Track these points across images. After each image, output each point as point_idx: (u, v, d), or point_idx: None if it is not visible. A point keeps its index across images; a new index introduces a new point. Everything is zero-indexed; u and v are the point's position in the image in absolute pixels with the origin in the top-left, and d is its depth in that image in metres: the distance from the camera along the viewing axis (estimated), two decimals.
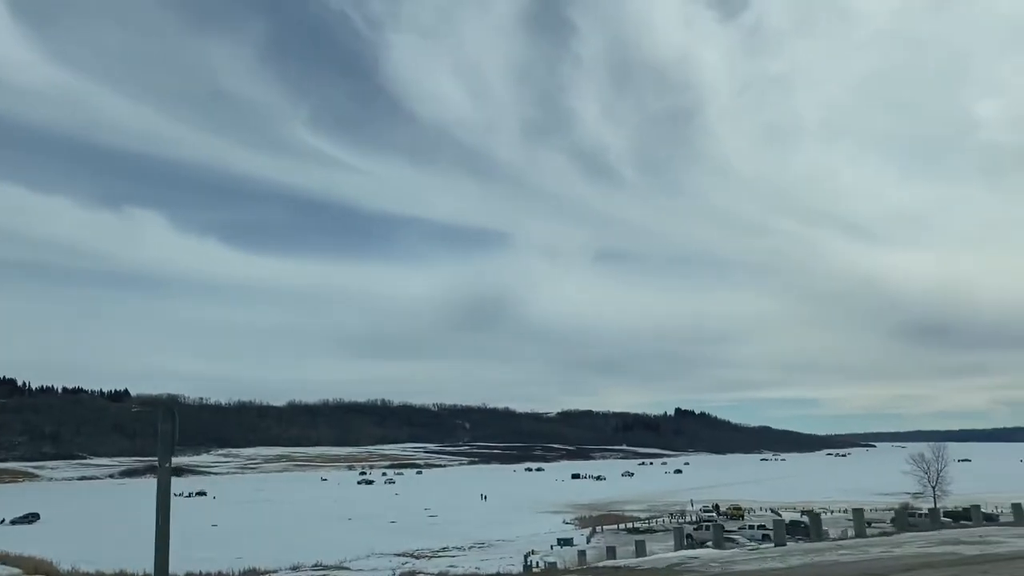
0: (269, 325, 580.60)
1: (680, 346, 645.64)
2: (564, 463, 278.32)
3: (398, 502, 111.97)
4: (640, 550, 14.58)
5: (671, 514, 74.73)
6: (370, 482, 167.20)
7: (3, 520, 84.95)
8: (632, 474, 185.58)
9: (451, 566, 44.21)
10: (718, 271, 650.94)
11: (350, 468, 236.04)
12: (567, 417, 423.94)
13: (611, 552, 14.34)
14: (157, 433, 7.75)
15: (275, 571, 45.46)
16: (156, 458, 7.77)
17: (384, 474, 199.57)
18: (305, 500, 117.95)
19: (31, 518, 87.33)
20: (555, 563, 26.35)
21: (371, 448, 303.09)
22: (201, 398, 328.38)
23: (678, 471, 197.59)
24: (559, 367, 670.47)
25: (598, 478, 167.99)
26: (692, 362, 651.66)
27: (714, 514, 65.09)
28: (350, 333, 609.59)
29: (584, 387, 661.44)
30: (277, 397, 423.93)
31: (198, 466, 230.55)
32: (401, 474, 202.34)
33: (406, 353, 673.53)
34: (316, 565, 47.27)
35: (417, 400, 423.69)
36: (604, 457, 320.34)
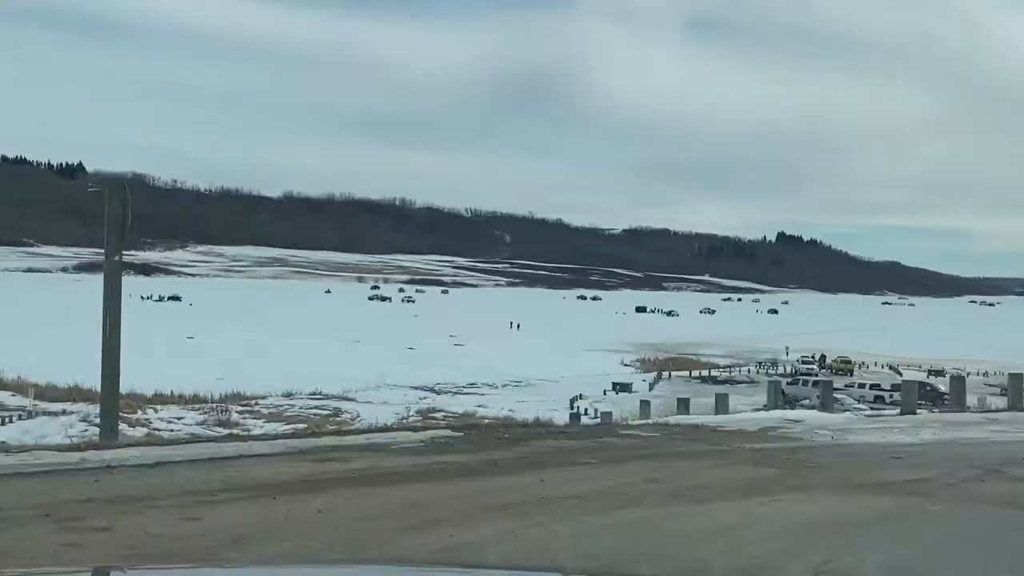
0: (265, 94, 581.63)
1: (789, 151, 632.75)
2: (627, 292, 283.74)
3: (418, 325, 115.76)
4: (721, 405, 14.78)
5: (759, 363, 76.22)
6: (384, 299, 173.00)
7: None
8: (714, 311, 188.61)
9: (480, 405, 46.18)
10: (845, 54, 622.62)
11: (360, 280, 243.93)
12: (635, 236, 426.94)
13: (683, 405, 14.59)
14: (105, 215, 7.58)
15: (263, 397, 48.18)
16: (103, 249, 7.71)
17: (401, 290, 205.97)
18: (304, 315, 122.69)
19: None
20: (610, 413, 27.23)
21: (386, 257, 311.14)
22: (175, 180, 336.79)
23: (773, 311, 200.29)
24: (628, 171, 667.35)
25: (669, 313, 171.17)
26: (803, 173, 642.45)
27: (815, 367, 66.41)
28: (364, 111, 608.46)
29: (659, 199, 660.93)
30: (271, 186, 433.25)
31: (171, 264, 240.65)
32: (422, 291, 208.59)
33: (434, 142, 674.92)
34: (315, 393, 49.88)
35: (446, 202, 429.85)
36: (679, 288, 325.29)
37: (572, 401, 48.34)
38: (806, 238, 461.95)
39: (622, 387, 55.11)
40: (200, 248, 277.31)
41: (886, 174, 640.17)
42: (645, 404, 20.21)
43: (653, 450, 8.66)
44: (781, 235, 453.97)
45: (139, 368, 58.08)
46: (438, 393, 53.69)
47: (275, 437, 8.39)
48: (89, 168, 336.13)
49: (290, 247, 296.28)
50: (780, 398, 49.39)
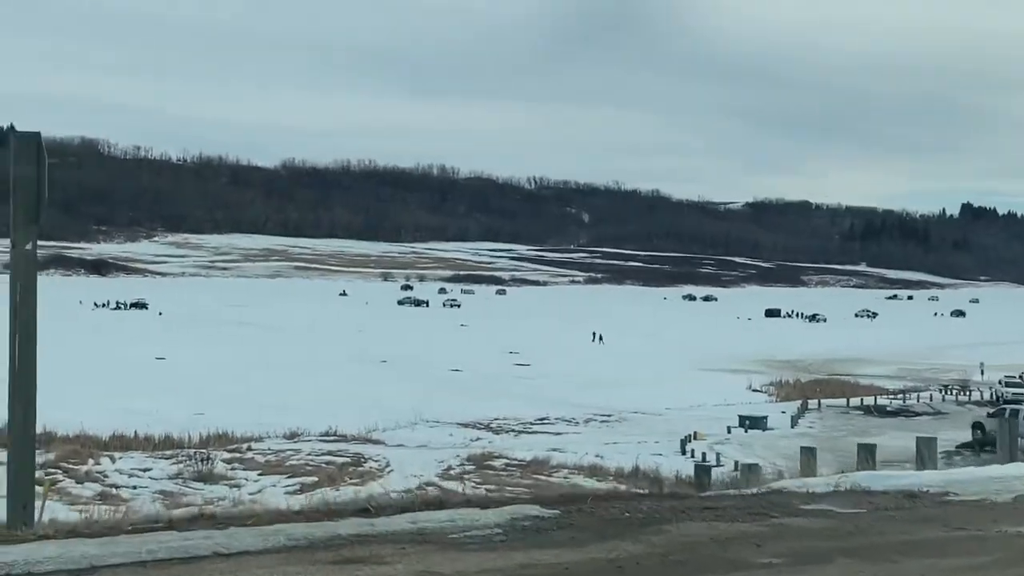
0: (254, 31, 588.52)
1: (970, 92, 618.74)
2: (752, 289, 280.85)
3: (465, 338, 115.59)
4: (928, 455, 13.46)
5: (945, 387, 74.36)
6: (420, 302, 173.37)
7: None
8: (875, 314, 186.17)
9: (554, 450, 45.29)
10: None
11: (385, 278, 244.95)
12: (762, 212, 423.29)
13: (867, 453, 13.19)
14: (11, 184, 6.83)
15: (258, 439, 47.86)
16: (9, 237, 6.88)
17: (443, 290, 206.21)
18: (311, 326, 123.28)
19: None
20: (757, 465, 25.82)
21: (420, 247, 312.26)
22: (138, 147, 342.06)
23: (959, 312, 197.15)
24: (750, 125, 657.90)
25: (813, 318, 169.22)
26: (993, 122, 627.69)
27: None
28: (388, 50, 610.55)
29: (793, 161, 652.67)
30: (265, 153, 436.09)
31: (133, 260, 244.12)
32: (470, 292, 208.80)
33: (483, 90, 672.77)
34: (327, 434, 49.45)
35: (499, 171, 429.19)
36: (825, 283, 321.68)
37: (683, 443, 47.31)
38: (1001, 211, 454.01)
39: (753, 422, 53.89)
40: (172, 238, 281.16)
41: None
42: (808, 451, 19.07)
43: (862, 539, 7.52)
44: (967, 208, 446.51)
45: (91, 400, 59.13)
46: (496, 432, 53.10)
47: (270, 521, 7.42)
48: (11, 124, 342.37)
49: (292, 234, 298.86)
50: (975, 433, 47.79)
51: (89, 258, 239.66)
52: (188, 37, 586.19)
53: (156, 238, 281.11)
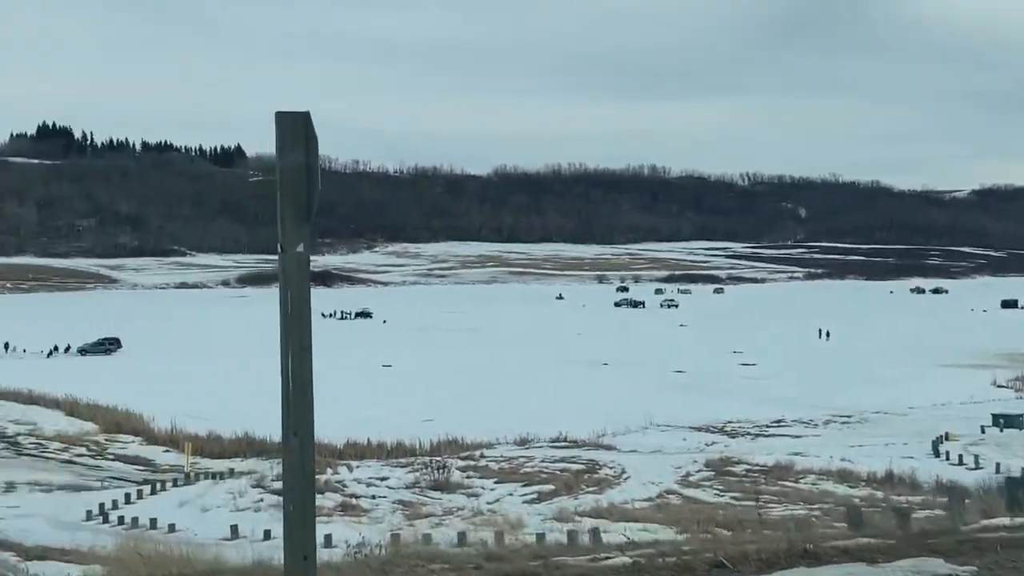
0: (462, 43, 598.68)
1: None
2: (983, 280, 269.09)
3: (685, 338, 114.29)
4: None
5: None
6: (636, 303, 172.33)
7: (67, 348, 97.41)
8: None
9: (795, 453, 43.17)
10: None
11: (600, 280, 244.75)
12: (990, 199, 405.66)
13: None
14: (277, 175, 5.71)
15: (488, 445, 47.42)
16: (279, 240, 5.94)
17: (659, 291, 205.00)
18: (531, 330, 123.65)
19: (108, 345, 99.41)
20: (995, 468, 23.36)
21: (634, 248, 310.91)
22: (357, 161, 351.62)
23: None
24: (975, 109, 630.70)
25: None
26: None
27: None
28: (592, 53, 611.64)
29: (1020, 146, 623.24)
30: (477, 162, 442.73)
31: (356, 270, 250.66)
32: (687, 292, 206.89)
33: (691, 87, 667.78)
34: (557, 439, 48.68)
35: (711, 168, 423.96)
36: None
37: (935, 444, 44.51)
38: None
39: (1009, 420, 50.44)
40: (392, 248, 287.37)
41: None
42: None
43: None
44: None
45: (323, 408, 59.71)
46: (731, 435, 51.44)
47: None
48: (249, 152, 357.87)
49: (505, 240, 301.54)
50: None
51: (315, 270, 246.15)
52: (396, 52, 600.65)
53: (377, 248, 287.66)
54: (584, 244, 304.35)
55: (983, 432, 48.80)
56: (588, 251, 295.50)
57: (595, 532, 21.95)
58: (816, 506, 30.74)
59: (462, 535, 25.02)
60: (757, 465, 40.22)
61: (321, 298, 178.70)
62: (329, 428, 51.65)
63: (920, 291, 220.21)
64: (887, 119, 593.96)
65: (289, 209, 5.81)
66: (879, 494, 33.27)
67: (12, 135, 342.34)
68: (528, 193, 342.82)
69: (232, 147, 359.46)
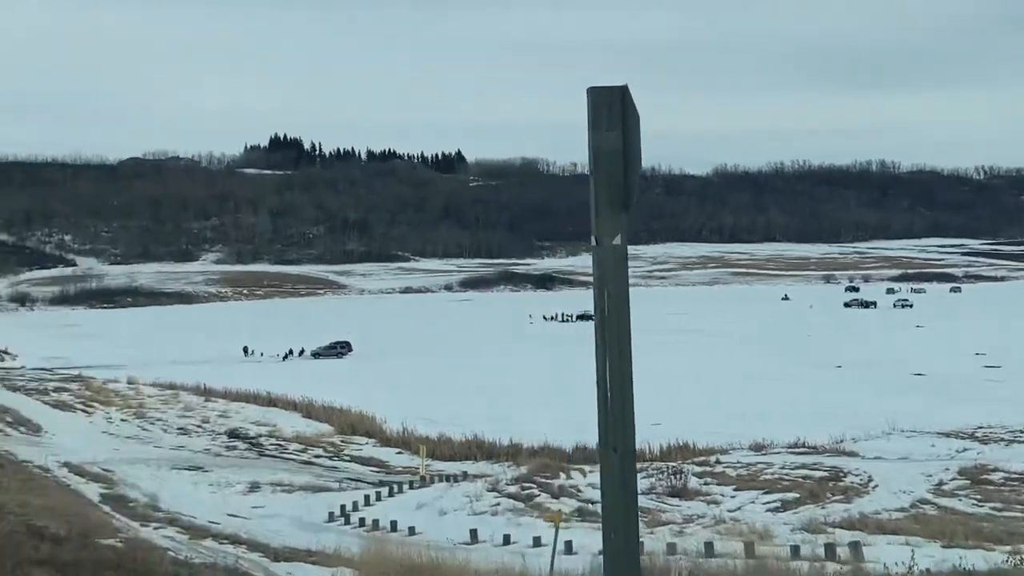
0: (676, 39, 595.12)
1: None
2: None
3: (922, 339, 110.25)
4: None
5: None
6: (868, 304, 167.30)
7: (301, 351, 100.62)
8: None
9: None
10: None
11: (827, 280, 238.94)
12: None
13: None
14: (589, 158, 5.06)
15: (723, 451, 46.27)
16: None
17: (891, 291, 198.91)
18: (758, 331, 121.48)
19: (340, 349, 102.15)
20: None
21: (863, 246, 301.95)
22: (575, 164, 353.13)
23: None
24: None
25: None
26: None
27: None
28: (816, 46, 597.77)
29: None
30: (696, 161, 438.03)
31: (575, 272, 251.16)
32: (921, 291, 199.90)
33: (921, 77, 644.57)
34: (795, 445, 47.05)
35: (943, 162, 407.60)
36: None
37: None
38: None
39: None
40: None
41: None
42: None
43: None
44: None
45: (549, 412, 59.77)
46: (983, 441, 48.58)
47: None
48: (469, 158, 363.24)
49: (727, 240, 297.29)
50: None
51: (535, 273, 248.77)
52: (613, 53, 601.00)
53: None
54: (809, 243, 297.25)
55: None
56: (814, 250, 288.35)
57: (855, 546, 20.80)
58: None
59: (709, 545, 24.11)
60: (1016, 473, 37.82)
61: (543, 301, 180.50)
62: (556, 432, 51.56)
63: None
64: None
65: (603, 195, 5.18)
66: None
67: (246, 147, 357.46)
68: (749, 192, 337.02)
69: (452, 153, 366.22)
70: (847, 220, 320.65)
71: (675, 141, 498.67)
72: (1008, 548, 20.57)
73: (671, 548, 23.90)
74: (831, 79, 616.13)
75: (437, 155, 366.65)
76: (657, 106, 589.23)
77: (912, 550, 19.97)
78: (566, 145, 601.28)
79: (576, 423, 56.01)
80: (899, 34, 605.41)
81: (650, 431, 52.82)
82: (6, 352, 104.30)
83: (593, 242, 5.39)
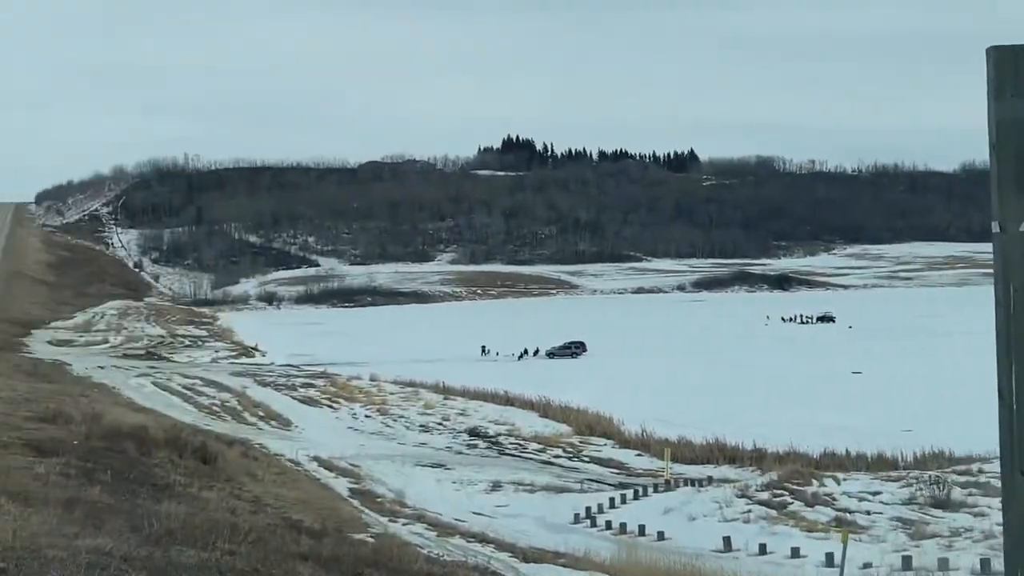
0: (897, 32, 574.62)
1: None
2: None
3: None
4: None
5: None
6: None
7: (536, 351, 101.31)
8: None
9: None
10: None
11: None
12: None
13: None
14: (990, 130, 4.02)
15: (985, 460, 43.70)
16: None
17: None
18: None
19: (575, 349, 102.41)
20: None
21: None
22: (812, 161, 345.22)
23: None
24: None
25: None
26: None
27: None
28: None
29: None
30: (943, 157, 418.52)
31: (813, 272, 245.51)
32: None
33: None
34: None
35: None
36: None
37: None
38: None
39: None
40: (851, 249, 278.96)
41: None
42: None
43: None
44: None
45: (793, 415, 58.00)
46: None
47: None
48: (702, 156, 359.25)
49: (976, 239, 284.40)
50: None
51: (771, 273, 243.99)
52: (843, 47, 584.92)
53: (835, 251, 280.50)
54: None
55: None
56: None
57: None
58: None
59: (985, 562, 22.51)
60: None
61: (780, 302, 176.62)
62: (799, 436, 49.99)
63: None
64: None
65: (1009, 173, 4.37)
66: None
67: (480, 149, 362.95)
68: None
69: (685, 152, 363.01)
70: None
71: (919, 137, 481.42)
72: None
73: (942, 564, 22.44)
74: None
75: (669, 154, 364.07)
76: (900, 102, 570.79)
77: None
78: (801, 140, 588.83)
79: (820, 427, 54.38)
80: None
81: (901, 437, 50.75)
82: (256, 349, 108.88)
83: (995, 228, 4.55)
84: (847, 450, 47.95)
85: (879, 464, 45.16)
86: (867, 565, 23.89)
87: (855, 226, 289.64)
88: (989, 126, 4.59)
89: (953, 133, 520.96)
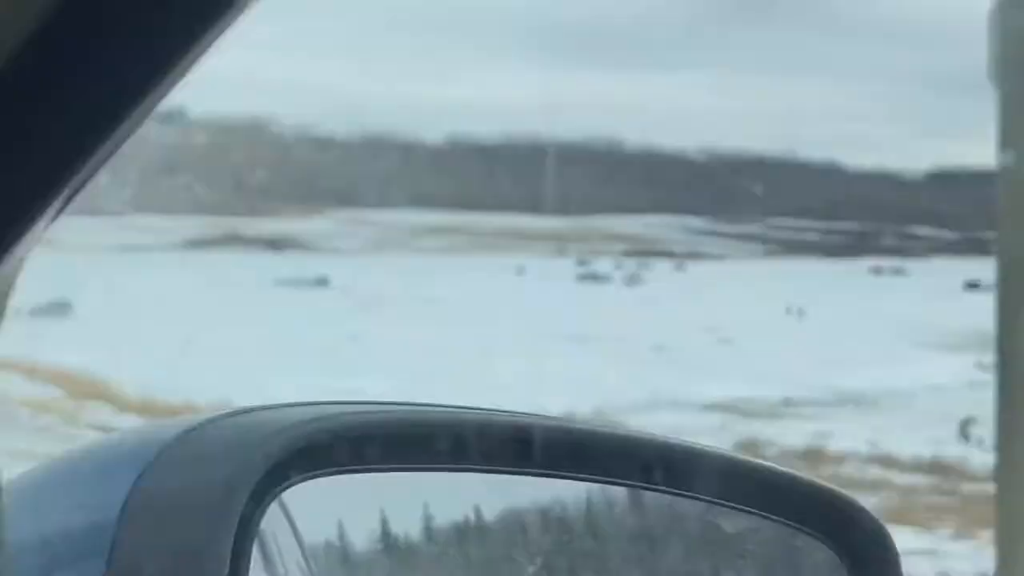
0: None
1: None
2: (942, 261, 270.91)
3: (657, 314, 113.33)
4: None
5: None
6: (600, 278, 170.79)
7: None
8: None
9: (820, 435, 42.08)
10: None
11: (559, 254, 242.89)
12: (943, 181, 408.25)
13: None
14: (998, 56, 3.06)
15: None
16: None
17: (619, 266, 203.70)
18: (501, 303, 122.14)
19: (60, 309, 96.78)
20: None
21: (590, 221, 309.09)
22: (306, 125, 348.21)
23: None
24: (926, 84, 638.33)
25: None
26: None
27: None
28: (545, 20, 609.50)
29: (974, 123, 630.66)
30: (432, 128, 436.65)
31: (307, 237, 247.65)
32: (649, 267, 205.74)
33: (644, 61, 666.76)
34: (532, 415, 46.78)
35: (668, 143, 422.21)
36: None
37: (963, 428, 43.51)
38: None
39: None
40: (342, 213, 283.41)
41: None
42: None
43: None
44: None
45: (283, 380, 57.93)
46: (745, 415, 49.94)
47: None
48: (193, 112, 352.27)
49: (460, 207, 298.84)
50: None
51: (265, 235, 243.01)
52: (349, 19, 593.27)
53: (328, 215, 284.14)
54: (540, 216, 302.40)
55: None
56: (545, 223, 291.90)
57: None
58: (882, 493, 29.42)
59: None
60: (788, 448, 38.95)
61: (272, 265, 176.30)
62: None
63: (879, 271, 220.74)
64: (843, 98, 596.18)
65: (1016, 111, 3.73)
66: (937, 482, 32.08)
67: None
68: (483, 163, 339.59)
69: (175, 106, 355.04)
70: (576, 195, 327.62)
71: (409, 107, 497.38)
72: None
73: None
74: (562, 57, 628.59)
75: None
76: (401, 70, 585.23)
77: None
78: (298, 103, 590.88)
79: (333, 390, 54.38)
80: (628, 15, 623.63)
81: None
82: None
83: (1008, 160, 3.89)
84: None
85: None
86: None
87: (347, 191, 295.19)
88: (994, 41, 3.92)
89: (444, 107, 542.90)
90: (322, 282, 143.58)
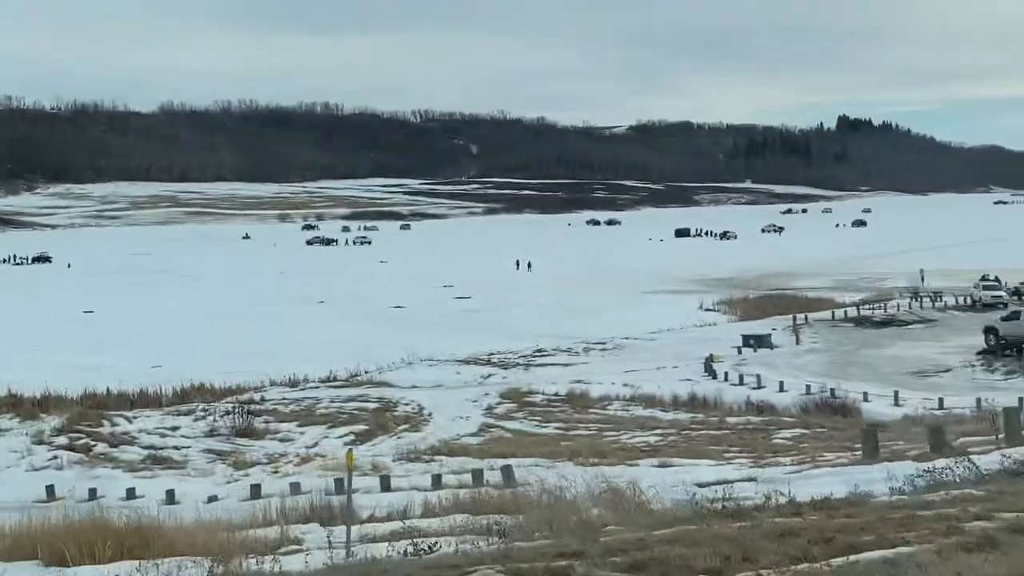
0: None
1: (842, 4, 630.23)
2: (649, 211, 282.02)
3: (390, 274, 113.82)
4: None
5: (912, 293, 73.48)
6: (329, 241, 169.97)
7: None
8: (781, 228, 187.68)
9: (578, 381, 43.18)
10: None
11: (283, 219, 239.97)
12: (646, 134, 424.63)
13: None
14: None
15: (258, 388, 44.88)
16: None
17: (346, 228, 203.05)
18: (230, 270, 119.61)
19: None
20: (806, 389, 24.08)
21: (312, 186, 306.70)
22: (8, 98, 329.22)
23: (860, 223, 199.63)
24: (629, 48, 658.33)
25: (724, 236, 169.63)
26: (865, 33, 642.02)
27: (1005, 294, 64.11)
28: None
29: (674, 82, 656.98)
30: (141, 98, 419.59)
31: (17, 213, 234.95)
32: (374, 228, 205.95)
33: (353, 20, 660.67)
34: (330, 379, 46.51)
35: (383, 105, 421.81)
36: (716, 201, 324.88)
37: (708, 365, 45.78)
38: (876, 122, 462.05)
39: (759, 341, 52.60)
40: (55, 189, 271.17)
41: (977, 27, 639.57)
42: (1014, 412, 17.04)
43: None
44: (843, 120, 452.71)
45: (35, 358, 55.22)
46: (503, 367, 50.75)
47: None
48: None
49: (178, 179, 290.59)
50: (989, 340, 47.22)
51: None
52: None
53: (38, 190, 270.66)
54: (260, 183, 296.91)
55: (740, 352, 50.54)
56: (266, 190, 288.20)
57: (507, 469, 20.77)
58: (657, 432, 30.63)
59: (339, 481, 23.08)
60: (552, 394, 40.00)
61: None
62: (51, 379, 47.06)
63: (596, 223, 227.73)
64: (549, 57, 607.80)
65: None
66: (699, 416, 33.65)
67: None
68: (197, 131, 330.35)
69: None
70: (295, 160, 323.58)
71: (116, 77, 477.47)
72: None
73: (295, 488, 22.73)
74: (270, 20, 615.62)
75: None
76: (95, 40, 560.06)
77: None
78: (12, 82, 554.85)
79: (63, 368, 51.45)
80: None
81: (151, 373, 50.10)
82: None
83: None
84: (108, 389, 46.12)
85: (143, 401, 43.98)
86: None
87: (58, 165, 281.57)
88: None
89: (155, 75, 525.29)
90: (43, 259, 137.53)
